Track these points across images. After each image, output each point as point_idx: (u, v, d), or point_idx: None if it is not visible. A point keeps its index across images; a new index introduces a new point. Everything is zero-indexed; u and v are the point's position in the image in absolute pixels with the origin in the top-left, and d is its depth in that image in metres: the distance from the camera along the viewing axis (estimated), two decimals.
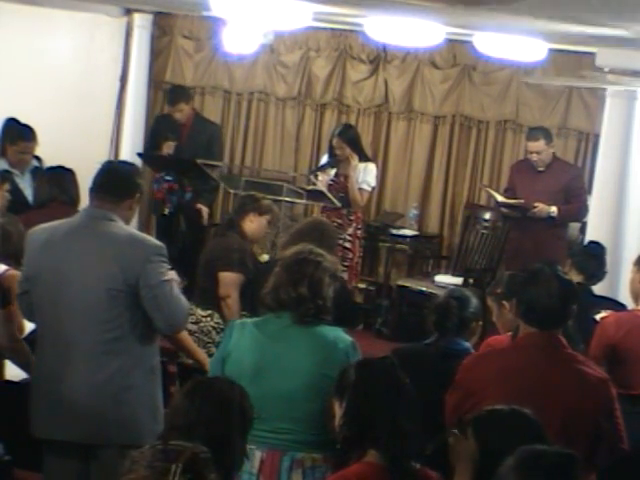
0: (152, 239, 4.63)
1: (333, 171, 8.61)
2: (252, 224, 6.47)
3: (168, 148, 8.99)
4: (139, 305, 4.44)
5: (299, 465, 4.06)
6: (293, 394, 4.05)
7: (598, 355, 5.34)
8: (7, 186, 6.51)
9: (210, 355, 5.96)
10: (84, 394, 4.45)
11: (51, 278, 4.50)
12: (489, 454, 3.07)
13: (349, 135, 8.63)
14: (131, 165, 4.80)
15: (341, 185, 8.53)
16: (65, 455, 4.54)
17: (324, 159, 8.79)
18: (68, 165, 6.73)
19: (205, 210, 9.11)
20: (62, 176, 6.54)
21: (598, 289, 6.45)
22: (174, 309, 4.51)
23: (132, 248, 4.46)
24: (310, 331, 4.16)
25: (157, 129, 9.45)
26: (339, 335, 4.20)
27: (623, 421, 4.04)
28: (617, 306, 6.25)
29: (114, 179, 4.61)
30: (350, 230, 8.53)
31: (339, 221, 8.42)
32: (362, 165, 8.51)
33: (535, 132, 8.45)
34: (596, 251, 6.38)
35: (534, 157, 8.32)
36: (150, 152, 9.28)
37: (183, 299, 4.60)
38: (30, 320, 4.83)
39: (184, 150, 9.03)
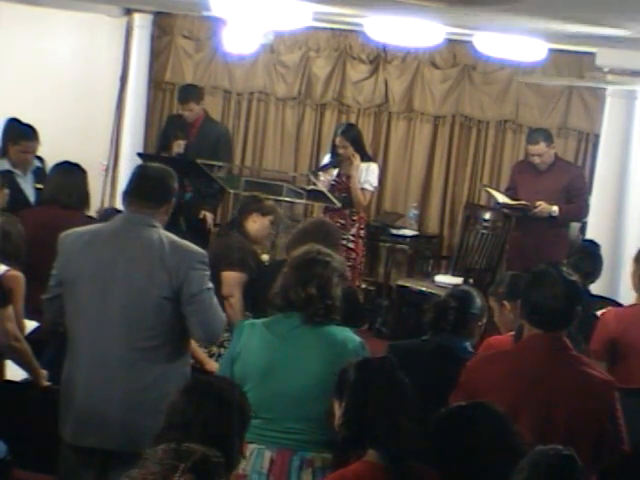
0: (194, 246, 4.50)
1: (335, 171, 8.59)
2: (255, 224, 6.45)
3: (178, 147, 8.88)
4: (180, 313, 4.38)
5: (309, 465, 4.05)
6: (303, 394, 4.04)
7: (599, 350, 5.33)
8: (6, 190, 6.43)
9: (211, 355, 5.96)
10: (121, 401, 4.37)
11: (92, 283, 4.40)
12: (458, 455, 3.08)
13: (352, 134, 8.62)
14: (165, 169, 4.67)
15: (344, 185, 8.52)
16: (88, 460, 4.46)
17: (326, 159, 8.77)
18: None
19: (210, 216, 8.98)
20: (72, 176, 6.47)
21: (598, 288, 6.44)
22: (213, 318, 4.45)
23: (176, 255, 4.37)
24: (319, 331, 4.15)
25: (168, 128, 9.35)
26: (348, 335, 4.20)
27: (623, 417, 4.04)
28: (615, 305, 6.23)
29: (152, 184, 4.53)
30: (353, 230, 8.51)
31: (342, 221, 8.39)
32: (364, 165, 8.50)
33: (535, 135, 8.39)
34: (591, 250, 6.33)
35: (536, 160, 8.28)
36: (155, 152, 9.22)
37: (220, 309, 4.56)
38: (55, 325, 4.73)
39: (191, 150, 8.92)
